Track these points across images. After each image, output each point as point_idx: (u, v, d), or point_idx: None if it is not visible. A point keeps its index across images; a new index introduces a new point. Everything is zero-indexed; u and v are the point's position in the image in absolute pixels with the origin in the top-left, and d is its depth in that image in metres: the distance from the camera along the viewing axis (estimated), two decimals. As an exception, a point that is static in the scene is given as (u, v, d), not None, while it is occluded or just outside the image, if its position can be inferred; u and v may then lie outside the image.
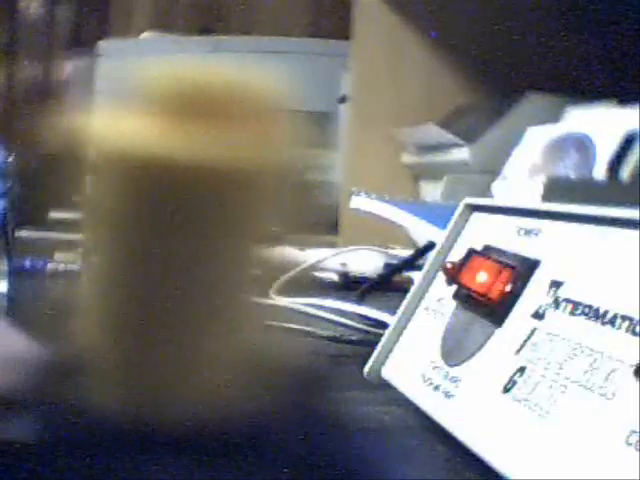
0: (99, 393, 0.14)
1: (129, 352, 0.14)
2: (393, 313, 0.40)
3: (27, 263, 0.77)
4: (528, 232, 0.34)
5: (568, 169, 0.61)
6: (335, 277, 0.73)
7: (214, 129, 0.13)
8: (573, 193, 0.35)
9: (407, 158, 1.05)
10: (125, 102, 0.14)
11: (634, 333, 0.25)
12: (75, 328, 0.14)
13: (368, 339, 0.46)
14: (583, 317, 0.28)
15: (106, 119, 0.14)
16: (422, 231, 0.62)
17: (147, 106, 0.14)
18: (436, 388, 0.33)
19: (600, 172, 0.57)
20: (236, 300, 0.14)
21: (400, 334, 0.39)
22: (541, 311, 0.30)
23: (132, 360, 0.14)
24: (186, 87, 0.14)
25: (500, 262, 0.33)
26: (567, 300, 0.29)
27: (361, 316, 0.53)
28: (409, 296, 0.40)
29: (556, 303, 0.29)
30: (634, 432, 0.23)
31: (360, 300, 0.59)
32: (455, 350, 0.34)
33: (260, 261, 0.15)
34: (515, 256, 0.33)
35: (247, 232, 0.14)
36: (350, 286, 0.69)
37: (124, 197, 0.14)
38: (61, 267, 0.77)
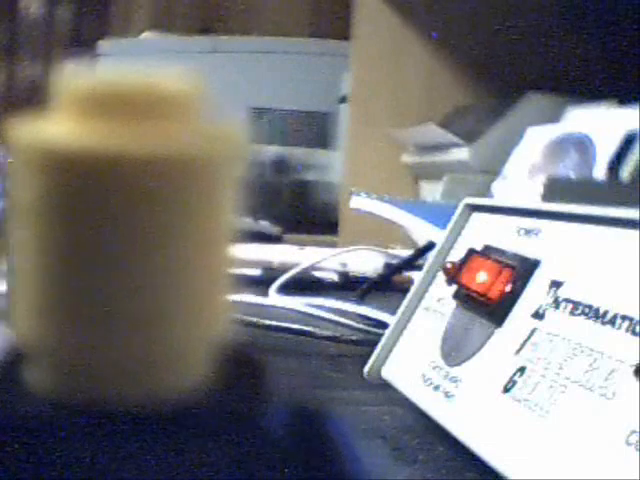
0: (46, 381, 0.14)
1: (72, 343, 0.14)
2: (393, 313, 0.40)
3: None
4: (528, 232, 0.34)
5: (568, 169, 0.61)
6: (335, 277, 0.73)
7: (134, 125, 0.14)
8: (573, 193, 0.35)
9: (407, 158, 1.05)
10: (49, 101, 0.14)
11: (634, 333, 0.25)
12: (11, 321, 0.15)
13: (368, 339, 0.46)
14: (583, 317, 0.28)
15: (30, 118, 0.14)
16: (422, 231, 0.62)
17: (66, 105, 0.14)
18: (436, 388, 0.33)
19: (600, 172, 0.57)
20: (174, 293, 0.14)
21: (400, 334, 0.39)
22: (541, 311, 0.30)
23: (76, 351, 0.14)
24: (106, 85, 0.14)
25: (500, 262, 0.33)
26: (567, 300, 0.29)
27: (361, 316, 0.53)
28: (409, 296, 0.40)
29: (556, 303, 0.29)
30: (634, 432, 0.23)
31: (360, 300, 0.59)
32: (455, 350, 0.34)
33: (203, 257, 0.15)
34: (515, 256, 0.33)
35: (189, 228, 0.14)
36: (350, 286, 0.69)
37: (47, 195, 0.14)
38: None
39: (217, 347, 0.15)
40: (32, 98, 1.80)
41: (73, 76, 0.14)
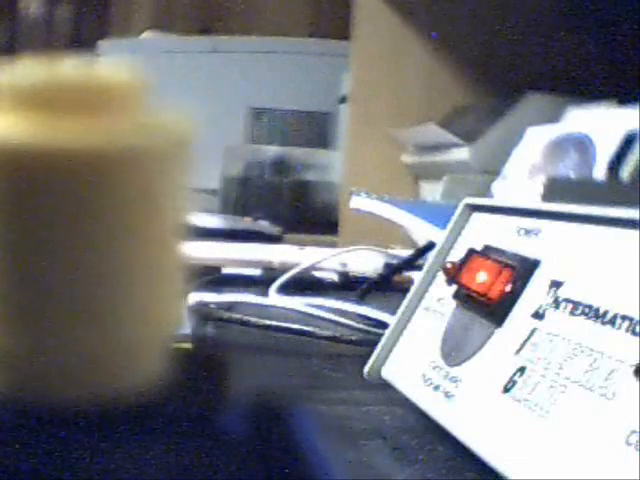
0: None
1: (21, 342, 0.14)
2: (393, 313, 0.40)
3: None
4: (528, 232, 0.34)
5: (568, 169, 0.61)
6: (335, 277, 0.73)
7: (74, 119, 0.14)
8: (573, 193, 0.35)
9: (407, 158, 1.05)
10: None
11: (634, 333, 0.25)
12: None
13: (368, 339, 0.46)
14: (583, 317, 0.28)
15: None
16: (422, 231, 0.62)
17: (6, 99, 0.14)
18: (436, 388, 0.33)
19: (600, 172, 0.57)
20: (124, 291, 0.14)
21: (400, 334, 0.39)
22: (541, 311, 0.30)
23: (17, 348, 0.14)
24: (46, 79, 0.14)
25: (500, 262, 0.33)
26: (567, 300, 0.29)
27: (361, 316, 0.53)
28: (409, 296, 0.40)
29: (556, 303, 0.29)
30: (634, 432, 0.23)
31: (360, 300, 0.59)
32: (455, 350, 0.34)
33: (152, 251, 0.14)
34: (515, 256, 0.33)
35: (126, 222, 0.14)
36: (350, 286, 0.69)
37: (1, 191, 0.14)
38: None
39: (171, 344, 0.15)
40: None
41: (13, 71, 0.14)
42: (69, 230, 0.14)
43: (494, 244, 0.36)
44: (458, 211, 0.40)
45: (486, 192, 0.70)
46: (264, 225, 1.08)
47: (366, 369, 0.39)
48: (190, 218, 0.15)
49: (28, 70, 0.14)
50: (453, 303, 0.36)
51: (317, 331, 0.49)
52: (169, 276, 0.15)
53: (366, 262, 0.74)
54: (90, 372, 0.14)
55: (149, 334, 0.15)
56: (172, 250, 0.15)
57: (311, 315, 0.53)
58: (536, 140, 0.67)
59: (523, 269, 0.32)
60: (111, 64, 0.15)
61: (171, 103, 0.15)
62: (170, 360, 0.15)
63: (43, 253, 0.14)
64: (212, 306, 0.52)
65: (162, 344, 0.15)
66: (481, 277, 0.34)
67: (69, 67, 0.14)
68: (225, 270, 0.74)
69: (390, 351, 0.39)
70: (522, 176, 0.66)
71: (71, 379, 0.14)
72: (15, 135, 0.13)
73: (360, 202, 0.70)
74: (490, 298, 0.33)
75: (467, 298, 0.35)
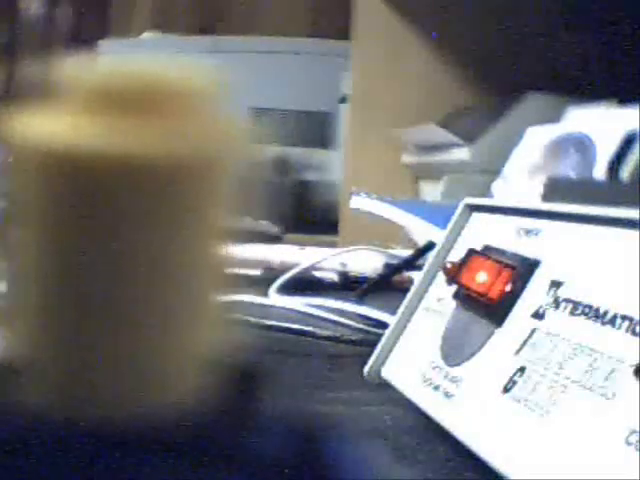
0: (36, 394, 0.14)
1: (65, 353, 0.14)
2: (393, 313, 0.40)
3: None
4: (528, 232, 0.34)
5: (568, 169, 0.61)
6: (335, 277, 0.73)
7: (145, 124, 0.13)
8: (573, 193, 0.35)
9: (407, 158, 1.05)
10: (49, 99, 0.14)
11: (634, 333, 0.25)
12: (2, 329, 0.14)
13: (368, 339, 0.46)
14: (583, 317, 0.28)
15: (30, 116, 0.14)
16: (422, 231, 0.62)
17: (73, 103, 0.14)
18: (436, 388, 0.33)
19: (600, 172, 0.57)
20: (183, 297, 0.14)
21: (400, 334, 0.39)
22: (541, 311, 0.30)
23: (70, 361, 0.14)
24: (114, 82, 0.14)
25: (500, 262, 0.33)
26: (567, 300, 0.29)
27: (361, 316, 0.53)
28: (409, 296, 0.40)
29: (556, 303, 0.29)
30: (634, 432, 0.23)
31: (360, 300, 0.59)
32: (455, 350, 0.34)
33: (212, 257, 0.14)
34: (515, 256, 0.33)
35: (190, 228, 0.14)
36: (350, 286, 0.69)
37: (52, 195, 0.13)
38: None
39: (216, 360, 0.14)
40: (32, 98, 1.80)
41: (76, 71, 0.14)
42: (126, 238, 0.13)
43: (494, 244, 0.36)
44: (458, 211, 0.40)
45: (486, 192, 0.70)
46: (264, 225, 1.08)
47: (366, 369, 0.39)
48: (238, 226, 0.15)
49: (90, 71, 0.14)
50: (453, 303, 0.36)
51: (317, 331, 0.49)
52: (218, 289, 0.15)
53: (366, 262, 0.74)
54: (135, 388, 0.14)
55: (194, 349, 0.14)
56: (221, 262, 0.15)
57: (311, 315, 0.53)
58: (536, 140, 0.67)
59: (523, 269, 0.32)
60: (186, 65, 0.14)
61: (229, 110, 0.14)
62: (212, 373, 0.14)
63: (95, 261, 0.13)
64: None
65: (206, 358, 0.14)
66: (481, 277, 0.34)
67: (132, 69, 0.14)
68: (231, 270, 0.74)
69: (390, 351, 0.39)
70: (522, 176, 0.66)
71: (115, 395, 0.14)
72: (76, 140, 0.13)
73: (360, 202, 0.70)
74: (490, 298, 0.33)
75: (467, 298, 0.35)
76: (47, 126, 0.13)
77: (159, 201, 0.13)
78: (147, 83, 0.14)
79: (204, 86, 0.14)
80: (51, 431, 0.13)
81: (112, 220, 0.13)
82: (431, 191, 0.98)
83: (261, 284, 0.62)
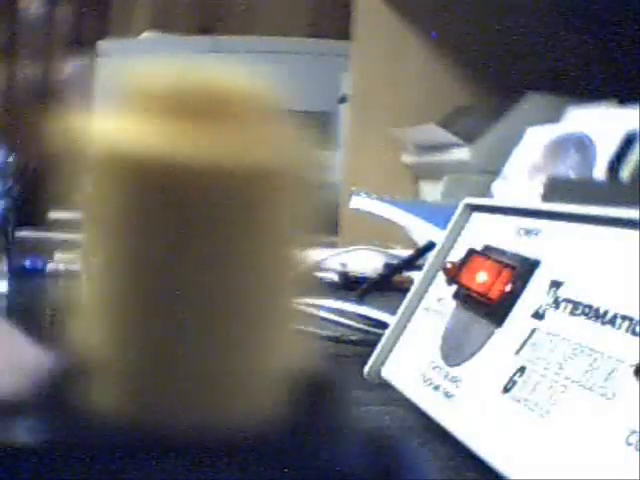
0: (108, 399, 0.14)
1: (139, 358, 0.13)
2: (393, 313, 0.40)
3: (27, 263, 0.77)
4: (528, 232, 0.34)
5: (568, 169, 0.61)
6: (335, 277, 0.73)
7: (216, 129, 0.13)
8: (573, 193, 0.35)
9: (407, 158, 1.05)
10: (124, 102, 0.14)
11: (634, 333, 0.25)
12: (79, 333, 0.14)
13: (368, 339, 0.46)
14: (583, 317, 0.28)
15: (105, 119, 0.14)
16: (422, 231, 0.62)
17: (147, 106, 0.13)
18: (436, 388, 0.33)
19: (600, 172, 0.57)
20: (257, 303, 0.14)
21: (400, 334, 0.39)
22: (541, 311, 0.30)
23: (143, 366, 0.14)
24: (187, 86, 0.13)
25: (500, 262, 0.33)
26: (567, 300, 0.29)
27: (361, 316, 0.53)
28: (409, 296, 0.40)
29: (556, 303, 0.29)
30: (634, 432, 0.23)
31: (360, 300, 0.59)
32: (455, 350, 0.34)
33: (284, 264, 0.14)
34: (515, 256, 0.33)
35: (262, 234, 0.14)
36: (350, 286, 0.69)
37: (127, 198, 0.13)
38: (61, 267, 0.77)
39: (288, 375, 0.14)
40: (32, 98, 1.81)
41: (147, 77, 0.14)
42: (201, 248, 0.13)
43: (494, 244, 0.36)
44: (458, 211, 0.40)
45: (486, 192, 0.70)
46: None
47: (366, 369, 0.39)
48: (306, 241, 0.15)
49: (163, 77, 0.14)
50: (453, 303, 0.36)
51: (317, 331, 0.49)
52: (291, 303, 0.14)
53: (366, 262, 0.74)
54: (208, 399, 0.13)
55: (268, 364, 0.14)
56: (289, 272, 0.14)
57: (311, 315, 0.53)
58: (536, 140, 0.67)
59: (523, 269, 0.32)
60: (259, 77, 0.14)
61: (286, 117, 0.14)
62: (286, 391, 0.14)
63: (171, 270, 0.13)
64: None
65: (280, 375, 0.14)
66: (481, 277, 0.34)
67: (204, 75, 0.14)
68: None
69: (390, 351, 0.39)
70: (522, 176, 0.66)
71: (188, 402, 0.13)
72: (144, 142, 0.13)
73: (360, 202, 0.70)
74: (490, 298, 0.33)
75: (467, 298, 0.35)
76: (117, 131, 0.13)
77: (232, 209, 0.13)
78: (217, 90, 0.13)
79: (268, 93, 0.14)
80: (118, 435, 0.13)
81: (187, 227, 0.13)
82: (431, 191, 0.98)
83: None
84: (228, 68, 0.14)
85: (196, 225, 0.13)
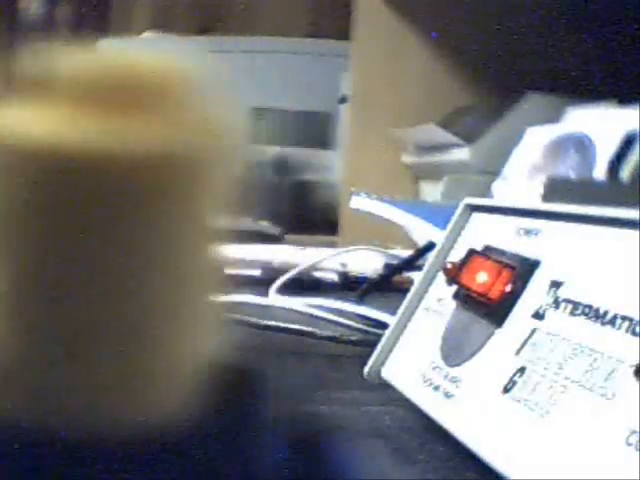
0: (10, 399, 0.13)
1: (46, 356, 0.13)
2: (393, 313, 0.40)
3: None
4: (528, 232, 0.34)
5: (568, 169, 0.61)
6: (335, 277, 0.73)
7: (126, 118, 0.13)
8: (573, 193, 0.35)
9: (407, 158, 1.05)
10: (38, 91, 0.13)
11: (634, 333, 0.25)
12: None
13: (368, 339, 0.46)
14: (583, 317, 0.28)
15: (15, 109, 0.13)
16: (422, 231, 0.62)
17: (53, 97, 0.13)
18: (436, 388, 0.33)
19: (600, 172, 0.57)
20: (167, 295, 0.13)
21: (400, 334, 0.39)
22: (541, 311, 0.30)
23: (49, 364, 0.13)
24: (95, 75, 0.13)
25: (500, 262, 0.33)
26: (567, 300, 0.29)
27: (361, 316, 0.53)
28: (409, 296, 0.40)
29: (556, 303, 0.29)
30: (634, 432, 0.23)
31: (360, 300, 0.59)
32: (455, 350, 0.34)
33: (207, 257, 0.14)
34: (515, 256, 0.33)
35: (183, 226, 0.13)
36: (350, 286, 0.69)
37: (30, 193, 0.13)
38: None
39: (209, 365, 0.14)
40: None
41: (49, 62, 0.13)
42: (105, 239, 0.13)
43: (494, 244, 0.36)
44: (458, 211, 0.40)
45: (486, 192, 0.70)
46: (264, 225, 1.08)
47: (366, 369, 0.39)
48: (228, 224, 0.14)
49: (67, 62, 0.13)
50: (453, 303, 0.36)
51: (317, 331, 0.49)
52: (208, 289, 0.14)
53: (366, 262, 0.74)
54: (122, 395, 0.13)
55: (191, 350, 0.14)
56: (212, 265, 0.14)
57: (311, 315, 0.53)
58: (536, 140, 0.67)
59: (523, 269, 0.32)
60: (159, 57, 0.14)
61: (220, 105, 0.14)
62: (210, 375, 0.14)
63: (76, 267, 0.12)
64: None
65: (199, 365, 0.14)
66: (481, 277, 0.34)
67: (111, 60, 0.13)
68: (225, 270, 0.74)
69: (390, 351, 0.39)
70: (522, 176, 0.66)
71: (102, 402, 0.13)
72: (48, 134, 0.12)
73: (360, 202, 0.70)
74: (490, 298, 0.33)
75: (467, 298, 0.35)
76: (32, 122, 0.13)
77: (149, 198, 0.13)
78: (135, 77, 0.13)
79: (193, 81, 0.14)
80: (32, 440, 0.13)
81: (101, 218, 0.12)
82: (431, 191, 0.98)
83: (261, 284, 0.62)
84: (154, 58, 0.14)
85: (105, 215, 0.12)
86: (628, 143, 0.56)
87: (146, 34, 1.63)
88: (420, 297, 0.39)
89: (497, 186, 0.70)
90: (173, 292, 0.13)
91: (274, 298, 0.59)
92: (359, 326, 0.51)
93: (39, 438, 0.13)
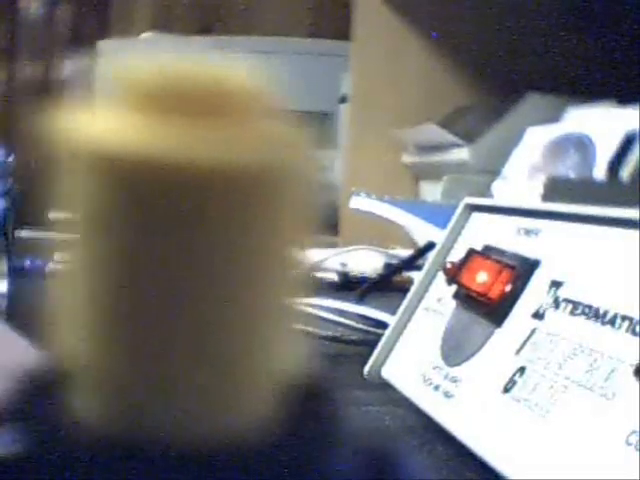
0: (93, 405, 0.13)
1: (128, 362, 0.13)
2: (393, 313, 0.40)
3: (27, 263, 0.77)
4: (528, 232, 0.34)
5: (568, 169, 0.61)
6: (335, 277, 0.73)
7: (213, 127, 0.13)
8: (573, 193, 0.35)
9: (407, 158, 1.05)
10: (119, 100, 0.13)
11: (634, 333, 0.25)
12: (65, 335, 0.13)
13: (368, 339, 0.46)
14: (583, 317, 0.28)
15: (98, 116, 0.13)
16: (422, 231, 0.62)
17: (135, 104, 0.13)
18: (436, 388, 0.33)
19: (600, 172, 0.57)
20: (252, 303, 0.13)
21: (400, 334, 0.39)
22: (541, 311, 0.30)
23: (132, 370, 0.13)
24: (177, 85, 0.13)
25: (500, 262, 0.33)
26: (567, 300, 0.29)
27: (361, 316, 0.53)
28: (409, 296, 0.40)
29: (556, 303, 0.29)
30: (634, 432, 0.23)
31: (360, 300, 0.59)
32: (455, 350, 0.34)
33: (282, 263, 0.14)
34: (515, 256, 0.33)
35: (260, 233, 0.13)
36: (350, 286, 0.69)
37: (114, 198, 0.13)
38: (61, 267, 0.77)
39: (285, 382, 0.14)
40: (32, 98, 1.80)
41: (127, 69, 0.13)
42: (185, 250, 0.12)
43: (494, 244, 0.36)
44: (458, 211, 0.40)
45: (486, 192, 0.70)
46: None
47: (366, 369, 0.39)
48: (308, 240, 0.14)
49: (145, 69, 0.13)
50: (453, 303, 0.36)
51: (317, 331, 0.49)
52: (286, 307, 0.14)
53: (366, 262, 0.74)
54: (198, 409, 0.13)
55: (262, 371, 0.14)
56: (291, 278, 0.14)
57: (311, 315, 0.53)
58: (536, 140, 0.67)
59: (523, 269, 0.32)
60: (236, 67, 0.13)
61: (285, 115, 0.14)
62: (281, 399, 0.14)
63: (154, 275, 0.12)
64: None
65: (275, 382, 0.14)
66: (481, 277, 0.34)
67: (191, 67, 0.13)
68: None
69: (390, 351, 0.39)
70: (522, 176, 0.66)
71: (181, 409, 0.13)
72: (131, 143, 0.12)
73: (360, 202, 0.70)
74: (490, 298, 0.33)
75: (467, 298, 0.35)
76: (100, 127, 0.13)
77: (228, 208, 0.12)
78: (213, 86, 0.13)
79: (266, 90, 0.14)
80: (107, 450, 0.13)
81: (174, 227, 0.12)
82: (431, 191, 0.98)
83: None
84: (226, 65, 0.14)
85: (191, 224, 0.12)
86: (628, 143, 0.56)
87: (146, 34, 1.63)
88: (420, 297, 0.39)
89: (497, 186, 0.70)
90: (261, 300, 0.13)
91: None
92: (359, 326, 0.51)
93: (119, 444, 0.13)
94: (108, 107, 0.13)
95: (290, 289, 0.14)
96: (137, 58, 0.13)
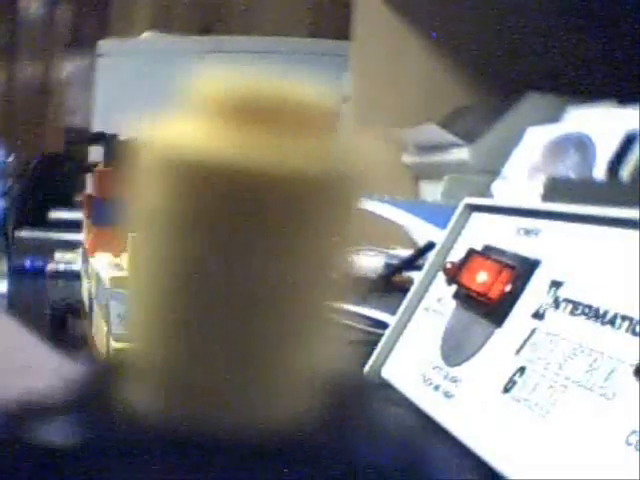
0: (146, 398, 0.14)
1: (183, 360, 0.13)
2: (393, 313, 0.40)
3: (27, 263, 0.77)
4: (528, 232, 0.34)
5: (568, 169, 0.61)
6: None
7: (271, 134, 0.13)
8: (573, 193, 0.35)
9: (407, 158, 1.05)
10: (189, 106, 0.14)
11: (634, 333, 0.25)
12: (134, 330, 0.14)
13: (368, 339, 0.46)
14: (583, 317, 0.28)
15: (169, 122, 0.14)
16: (422, 231, 0.62)
17: (199, 110, 0.13)
18: (436, 388, 0.33)
19: (600, 172, 0.57)
20: (304, 304, 0.14)
21: (400, 334, 0.39)
22: (541, 311, 0.30)
23: (186, 365, 0.14)
24: (240, 91, 0.14)
25: (500, 262, 0.33)
26: (567, 300, 0.29)
27: (361, 316, 0.53)
28: (409, 296, 0.40)
29: (556, 303, 0.29)
30: (634, 432, 0.23)
31: (360, 300, 0.59)
32: (455, 350, 0.34)
33: (332, 267, 0.14)
34: (515, 256, 0.33)
35: (314, 237, 0.14)
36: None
37: (178, 201, 0.13)
38: (61, 267, 0.77)
39: (325, 377, 0.14)
40: (32, 98, 1.81)
41: (212, 80, 0.14)
42: (256, 253, 0.13)
43: (494, 244, 0.36)
44: (458, 211, 0.40)
45: (486, 192, 0.70)
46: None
47: (366, 369, 0.39)
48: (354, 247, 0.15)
49: (229, 81, 0.14)
50: (453, 303, 0.36)
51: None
52: (331, 302, 0.15)
53: (366, 262, 0.74)
54: (246, 401, 0.13)
55: (306, 367, 0.14)
56: (338, 279, 0.14)
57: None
58: (536, 140, 0.67)
59: (523, 269, 0.32)
60: (308, 83, 0.14)
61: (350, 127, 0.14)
62: (321, 394, 0.14)
63: (220, 275, 0.13)
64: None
65: (317, 377, 0.14)
66: (481, 277, 0.34)
67: (269, 81, 0.14)
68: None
69: (390, 351, 0.39)
70: (522, 176, 0.66)
71: (230, 403, 0.13)
72: (213, 151, 0.13)
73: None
74: (490, 298, 0.33)
75: (467, 298, 0.35)
76: (182, 136, 0.13)
77: (286, 212, 0.13)
78: (284, 98, 0.14)
79: (333, 103, 0.14)
80: (160, 440, 0.13)
81: (242, 230, 0.13)
82: (431, 191, 0.98)
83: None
84: (300, 82, 0.14)
85: (249, 227, 0.13)
86: (628, 143, 0.56)
87: (146, 34, 1.63)
88: (420, 297, 0.39)
89: (497, 186, 0.70)
90: (313, 302, 0.14)
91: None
92: (359, 326, 0.51)
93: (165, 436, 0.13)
94: (188, 117, 0.13)
95: (336, 292, 0.14)
96: (219, 72, 0.14)
